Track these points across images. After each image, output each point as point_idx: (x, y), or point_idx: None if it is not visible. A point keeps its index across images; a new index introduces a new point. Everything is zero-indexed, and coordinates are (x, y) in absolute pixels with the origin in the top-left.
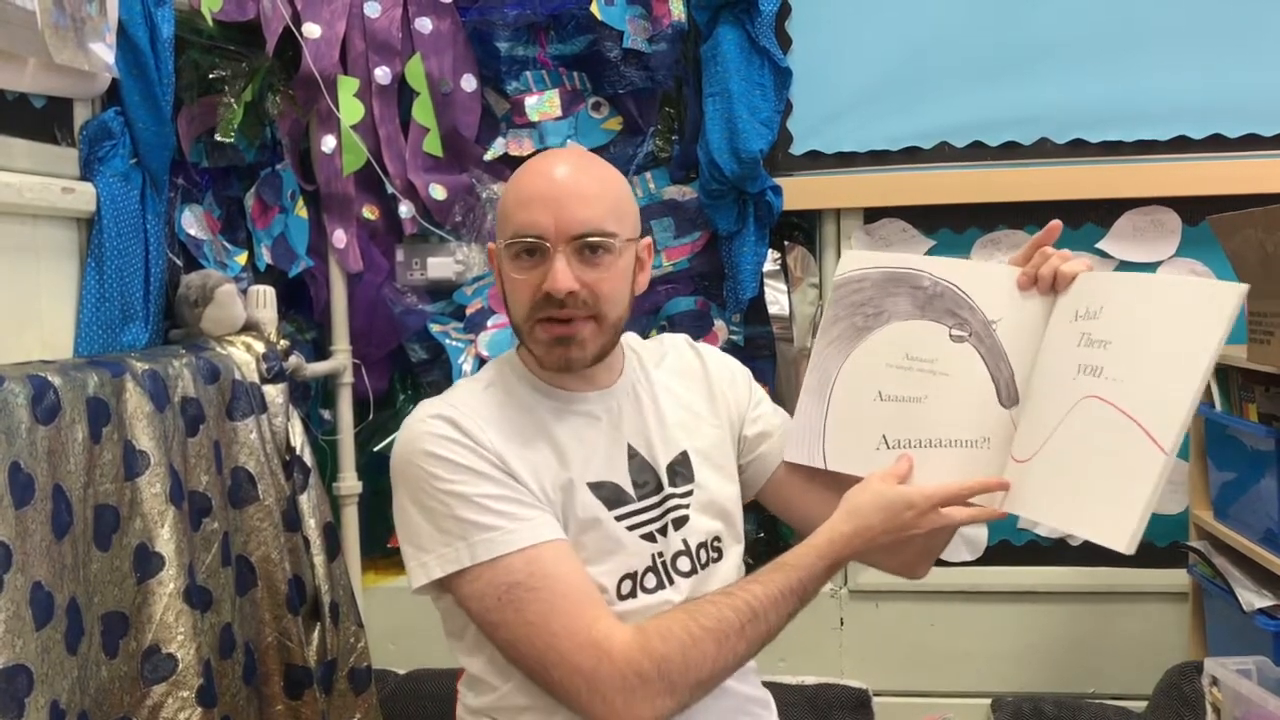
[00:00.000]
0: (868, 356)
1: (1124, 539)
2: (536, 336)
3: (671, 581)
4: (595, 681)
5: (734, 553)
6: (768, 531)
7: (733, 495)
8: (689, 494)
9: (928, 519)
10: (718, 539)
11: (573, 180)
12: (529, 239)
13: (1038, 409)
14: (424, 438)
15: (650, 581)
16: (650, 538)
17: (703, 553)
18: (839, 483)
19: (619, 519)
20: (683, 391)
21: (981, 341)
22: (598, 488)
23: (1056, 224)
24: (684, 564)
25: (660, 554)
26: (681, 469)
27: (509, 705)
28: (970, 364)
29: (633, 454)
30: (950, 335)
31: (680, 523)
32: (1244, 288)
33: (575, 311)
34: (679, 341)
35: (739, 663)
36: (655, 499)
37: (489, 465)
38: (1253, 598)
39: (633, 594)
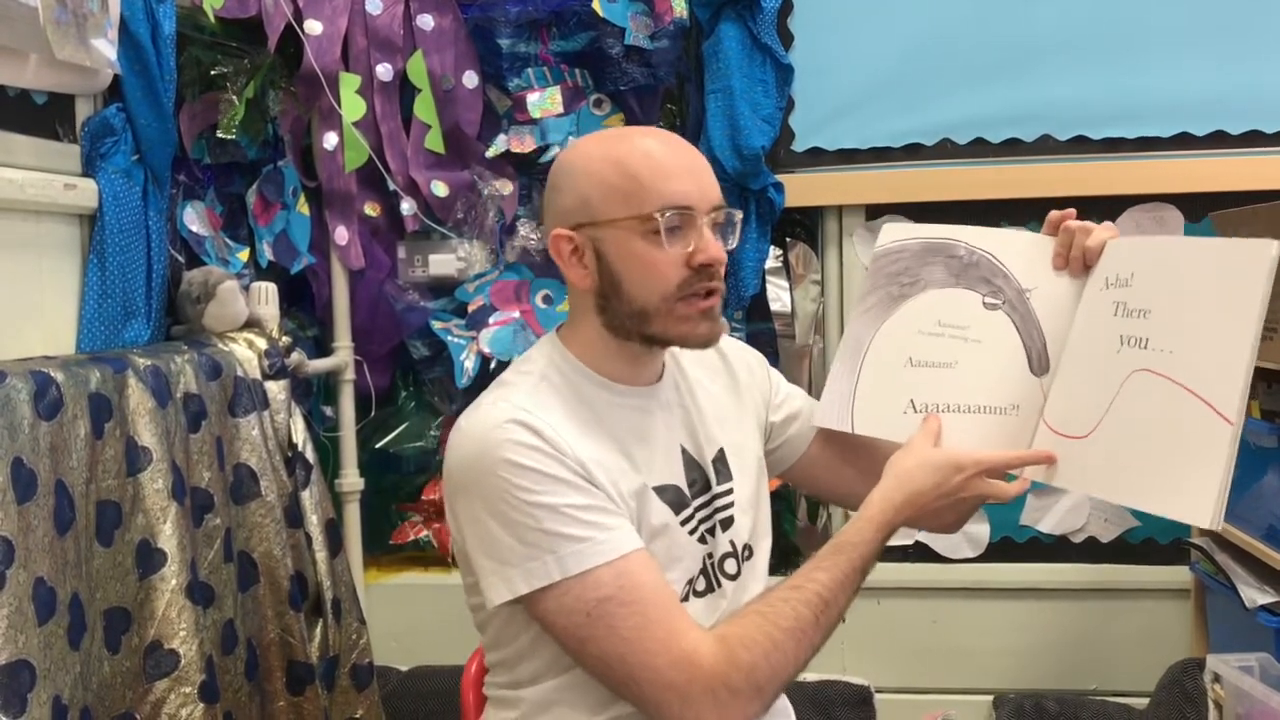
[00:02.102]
0: (901, 323)
1: (1206, 515)
2: (680, 314)
3: (719, 585)
4: (688, 697)
5: (763, 547)
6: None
7: (762, 489)
8: (730, 492)
9: (974, 484)
10: (753, 535)
11: (693, 150)
12: (685, 209)
13: (1078, 380)
14: (504, 445)
15: (700, 585)
16: (702, 539)
17: (746, 552)
18: (872, 454)
19: (683, 523)
20: (710, 385)
21: (1015, 309)
22: (662, 491)
23: (1070, 212)
24: (730, 566)
25: (710, 555)
26: (721, 466)
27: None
28: (1003, 331)
29: (683, 451)
30: (984, 303)
31: (727, 524)
32: (1276, 243)
33: (718, 284)
34: None
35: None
36: (705, 498)
37: (573, 474)
38: (1255, 594)
39: (685, 599)
